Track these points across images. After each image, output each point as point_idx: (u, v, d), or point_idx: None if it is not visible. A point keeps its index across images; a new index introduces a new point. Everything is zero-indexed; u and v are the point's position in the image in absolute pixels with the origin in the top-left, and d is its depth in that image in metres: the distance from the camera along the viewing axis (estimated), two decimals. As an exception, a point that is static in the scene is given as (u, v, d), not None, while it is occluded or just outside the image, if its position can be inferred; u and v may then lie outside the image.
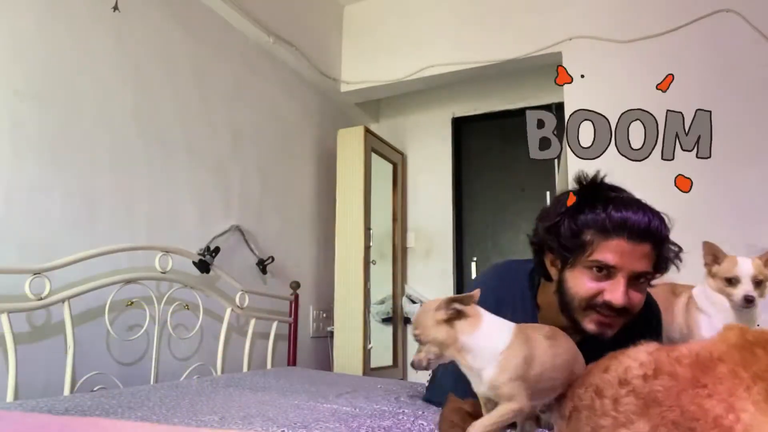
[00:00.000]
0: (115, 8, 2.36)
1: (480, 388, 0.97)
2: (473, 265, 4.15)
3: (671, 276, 1.75)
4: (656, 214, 1.12)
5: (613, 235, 1.05)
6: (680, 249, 1.16)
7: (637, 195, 1.24)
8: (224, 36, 3.04)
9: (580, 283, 1.09)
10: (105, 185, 2.29)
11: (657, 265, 1.12)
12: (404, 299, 4.16)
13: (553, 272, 1.18)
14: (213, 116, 2.91)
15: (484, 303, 1.01)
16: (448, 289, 4.14)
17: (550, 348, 0.97)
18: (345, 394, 1.98)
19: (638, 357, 0.75)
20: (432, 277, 4.21)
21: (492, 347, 0.96)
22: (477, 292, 0.98)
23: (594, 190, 1.14)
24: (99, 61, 2.32)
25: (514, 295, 1.25)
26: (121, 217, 2.35)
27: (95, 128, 2.28)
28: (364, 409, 1.65)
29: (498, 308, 1.03)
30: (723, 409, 0.53)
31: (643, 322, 1.21)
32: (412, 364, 1.02)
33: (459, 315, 0.98)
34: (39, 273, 1.90)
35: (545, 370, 0.95)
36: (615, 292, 1.06)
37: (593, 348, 0.99)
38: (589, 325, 1.11)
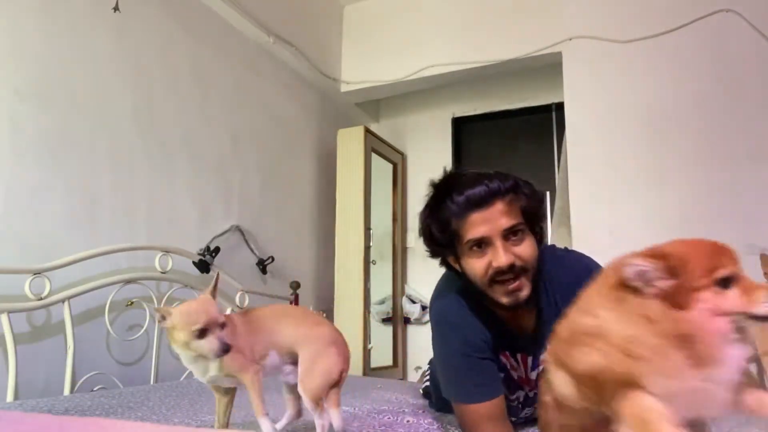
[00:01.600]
0: (116, 8, 2.36)
1: (210, 374, 1.13)
2: (473, 265, 4.15)
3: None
4: (493, 176, 1.18)
5: (467, 213, 1.14)
6: (542, 192, 1.24)
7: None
8: (224, 36, 3.04)
9: (472, 265, 1.17)
10: (105, 185, 2.29)
11: (528, 215, 1.18)
12: (404, 299, 4.16)
13: (459, 268, 1.26)
14: (213, 116, 2.91)
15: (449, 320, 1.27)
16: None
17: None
18: (345, 394, 1.97)
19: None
20: (432, 277, 4.19)
21: None
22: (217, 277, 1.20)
23: (440, 188, 1.23)
24: (99, 61, 2.32)
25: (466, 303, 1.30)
26: (121, 217, 2.35)
27: (95, 128, 2.28)
28: (364, 409, 1.65)
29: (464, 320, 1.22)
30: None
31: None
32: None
33: None
34: (39, 273, 1.90)
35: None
36: (498, 258, 1.13)
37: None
38: (503, 297, 1.17)
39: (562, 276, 1.21)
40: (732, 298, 0.66)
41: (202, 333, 1.05)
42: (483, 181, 1.15)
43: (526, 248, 1.15)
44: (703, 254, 0.69)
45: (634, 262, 0.68)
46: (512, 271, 1.13)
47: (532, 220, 1.19)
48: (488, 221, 1.13)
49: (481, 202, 1.13)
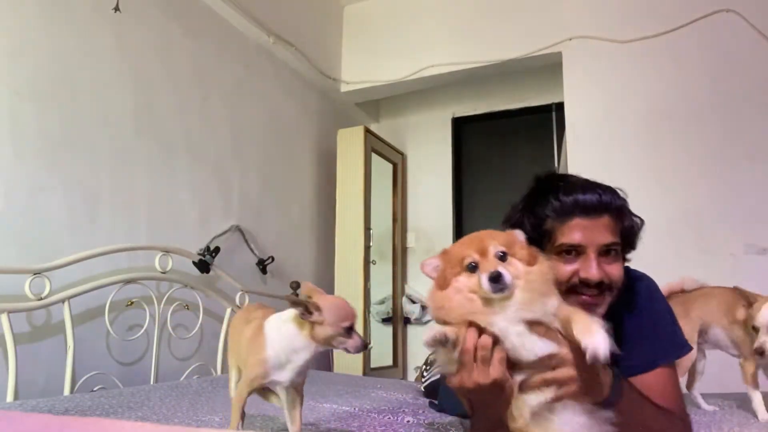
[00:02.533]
0: (116, 8, 2.36)
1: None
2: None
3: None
4: (606, 189, 1.15)
5: (570, 216, 1.10)
6: (642, 220, 1.19)
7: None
8: (224, 36, 3.04)
9: (555, 269, 1.10)
10: (105, 185, 2.29)
11: (625, 238, 1.15)
12: (404, 299, 4.16)
13: None
14: (213, 116, 2.91)
15: None
16: (448, 289, 4.14)
17: None
18: (345, 394, 1.98)
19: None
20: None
21: None
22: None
23: (544, 184, 1.19)
24: (99, 61, 2.32)
25: None
26: (121, 217, 2.35)
27: (95, 128, 2.28)
28: (364, 409, 1.66)
29: None
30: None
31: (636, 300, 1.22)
32: None
33: None
34: (39, 273, 1.90)
35: None
36: (588, 268, 1.08)
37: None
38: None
39: (630, 303, 1.19)
40: (473, 279, 0.87)
41: (349, 330, 1.10)
42: (596, 190, 1.13)
43: (616, 269, 1.12)
44: (459, 247, 0.93)
45: (428, 261, 0.95)
46: (598, 287, 1.10)
47: (627, 245, 1.16)
48: (590, 231, 1.09)
49: (590, 210, 1.10)
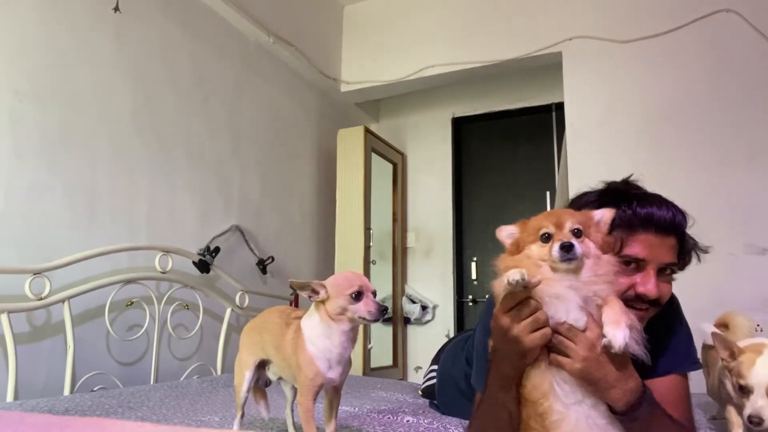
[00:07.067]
0: (116, 8, 2.36)
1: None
2: (473, 265, 4.15)
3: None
4: (678, 209, 1.15)
5: (641, 230, 1.09)
6: (696, 242, 1.19)
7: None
8: (224, 36, 3.04)
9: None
10: (105, 185, 2.29)
11: (680, 258, 1.15)
12: (404, 299, 4.16)
13: None
14: (213, 116, 2.91)
15: None
16: (448, 289, 4.14)
17: None
18: (345, 393, 1.97)
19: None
20: (432, 277, 4.21)
21: None
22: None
23: (616, 191, 1.18)
24: (99, 61, 2.32)
25: None
26: (121, 217, 2.35)
27: (95, 128, 2.28)
28: (364, 409, 1.66)
29: None
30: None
31: (669, 313, 1.23)
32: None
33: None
34: (39, 273, 1.90)
35: None
36: (647, 284, 1.08)
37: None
38: None
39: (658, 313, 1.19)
40: (544, 249, 0.93)
41: (358, 296, 1.06)
42: (671, 209, 1.12)
43: (667, 288, 1.13)
44: (538, 219, 0.98)
45: (505, 227, 1.02)
46: (650, 303, 1.11)
47: (680, 267, 1.17)
48: (657, 248, 1.09)
49: (661, 228, 1.09)
